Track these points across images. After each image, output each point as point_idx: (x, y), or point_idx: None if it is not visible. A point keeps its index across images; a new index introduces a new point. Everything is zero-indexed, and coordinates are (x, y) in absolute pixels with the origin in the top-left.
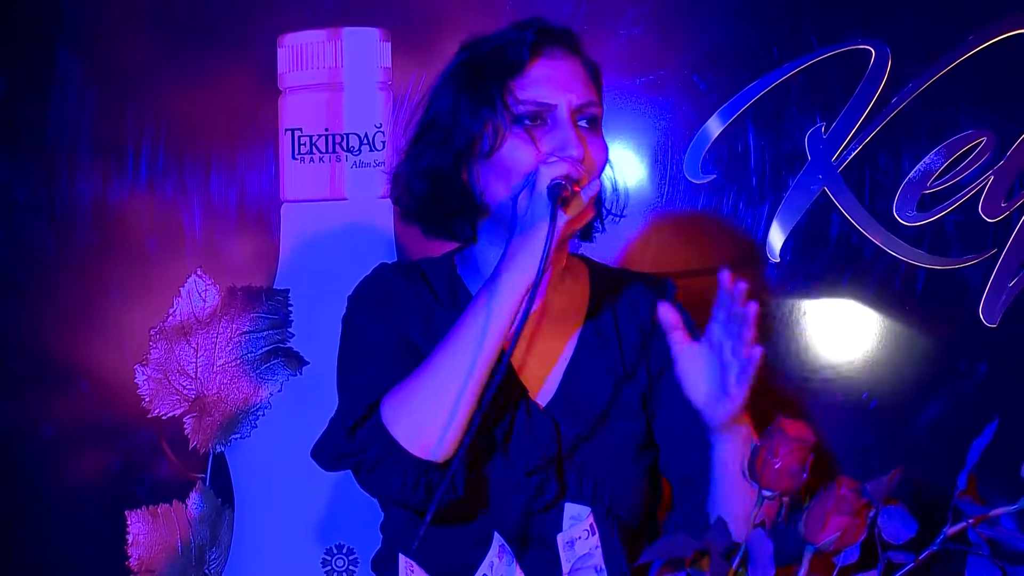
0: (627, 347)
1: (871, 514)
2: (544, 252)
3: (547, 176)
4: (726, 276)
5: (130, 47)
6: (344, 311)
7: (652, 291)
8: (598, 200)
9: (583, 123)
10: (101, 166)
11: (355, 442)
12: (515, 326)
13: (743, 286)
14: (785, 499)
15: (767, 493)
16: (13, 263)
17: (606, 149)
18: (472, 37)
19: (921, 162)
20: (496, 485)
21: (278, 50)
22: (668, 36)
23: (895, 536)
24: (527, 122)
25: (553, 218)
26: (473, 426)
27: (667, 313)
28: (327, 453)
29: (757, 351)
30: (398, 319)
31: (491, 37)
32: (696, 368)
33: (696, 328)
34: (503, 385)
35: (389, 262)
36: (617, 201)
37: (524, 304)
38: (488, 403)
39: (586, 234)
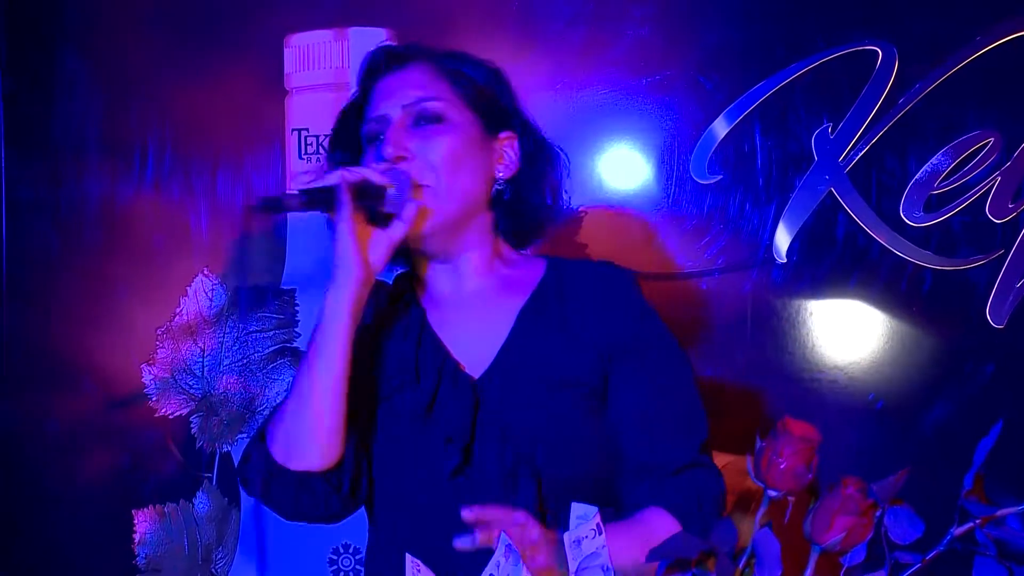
0: (571, 320)
1: (877, 514)
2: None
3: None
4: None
5: (136, 47)
6: None
7: (608, 277)
8: (522, 193)
9: (425, 122)
10: (108, 166)
11: (245, 469)
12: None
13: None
14: (790, 499)
15: (772, 493)
16: (20, 263)
17: (451, 144)
18: None
19: (928, 163)
20: (414, 454)
21: (284, 50)
22: (674, 37)
23: (902, 536)
24: (376, 141)
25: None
26: (344, 432)
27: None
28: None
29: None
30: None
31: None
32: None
33: (657, 317)
34: (432, 357)
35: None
36: (552, 201)
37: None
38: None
39: (523, 234)
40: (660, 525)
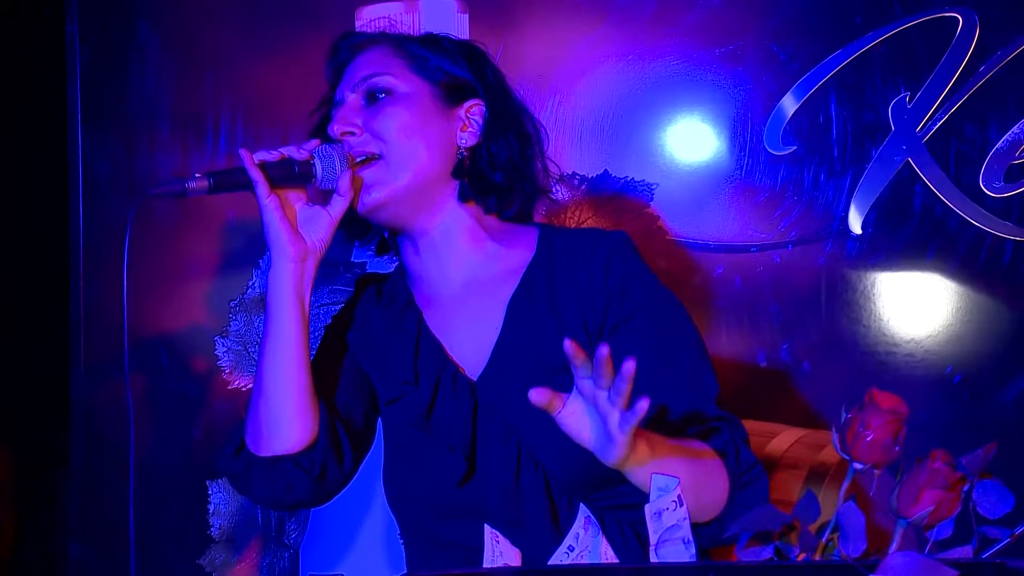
0: (561, 301)
1: (966, 488)
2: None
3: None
4: (568, 346)
5: (209, 21)
6: None
7: (602, 243)
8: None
9: (376, 97)
10: (180, 139)
11: (222, 457)
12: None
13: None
14: (877, 472)
15: (858, 466)
16: (96, 238)
17: (401, 116)
18: None
19: (1009, 132)
20: (420, 458)
21: (356, 22)
22: (747, 5)
23: (991, 511)
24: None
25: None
26: (311, 414)
27: (570, 347)
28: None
29: (642, 403)
30: (339, 327)
31: None
32: (576, 421)
33: (648, 276)
34: (431, 362)
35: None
36: (527, 172)
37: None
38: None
39: (501, 203)
40: (704, 450)
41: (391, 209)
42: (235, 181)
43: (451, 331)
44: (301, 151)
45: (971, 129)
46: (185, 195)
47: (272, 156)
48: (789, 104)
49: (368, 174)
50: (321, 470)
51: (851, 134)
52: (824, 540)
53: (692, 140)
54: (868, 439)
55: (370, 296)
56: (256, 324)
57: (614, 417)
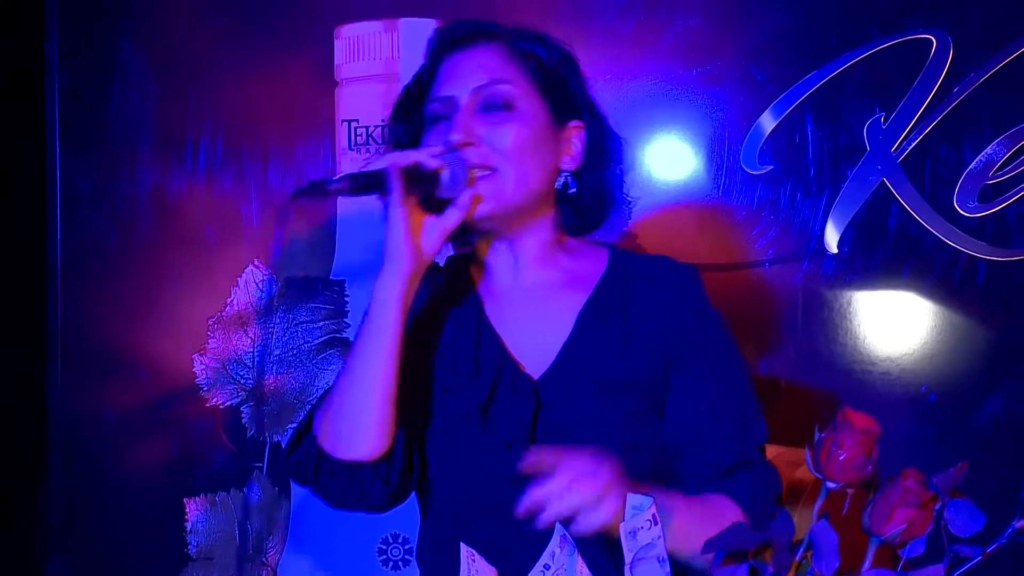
0: (633, 322)
1: (937, 507)
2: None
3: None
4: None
5: (190, 39)
6: None
7: (671, 273)
8: (585, 180)
9: (494, 108)
10: (161, 157)
11: (291, 459)
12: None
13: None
14: (849, 491)
15: (832, 485)
16: (75, 254)
17: (520, 130)
18: None
19: (983, 152)
20: (474, 455)
21: (335, 41)
22: (725, 26)
23: (962, 529)
24: (441, 121)
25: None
26: (392, 422)
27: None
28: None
29: None
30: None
31: None
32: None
33: (717, 315)
34: (490, 354)
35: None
36: (617, 188)
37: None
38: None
39: (586, 220)
40: (726, 507)
41: (493, 221)
42: (374, 183)
43: (513, 326)
44: (432, 159)
45: (945, 150)
46: (328, 195)
47: (405, 159)
48: (766, 124)
49: (480, 185)
50: (397, 477)
51: (827, 154)
52: (798, 558)
53: (669, 159)
54: (841, 458)
55: (425, 284)
56: (234, 341)
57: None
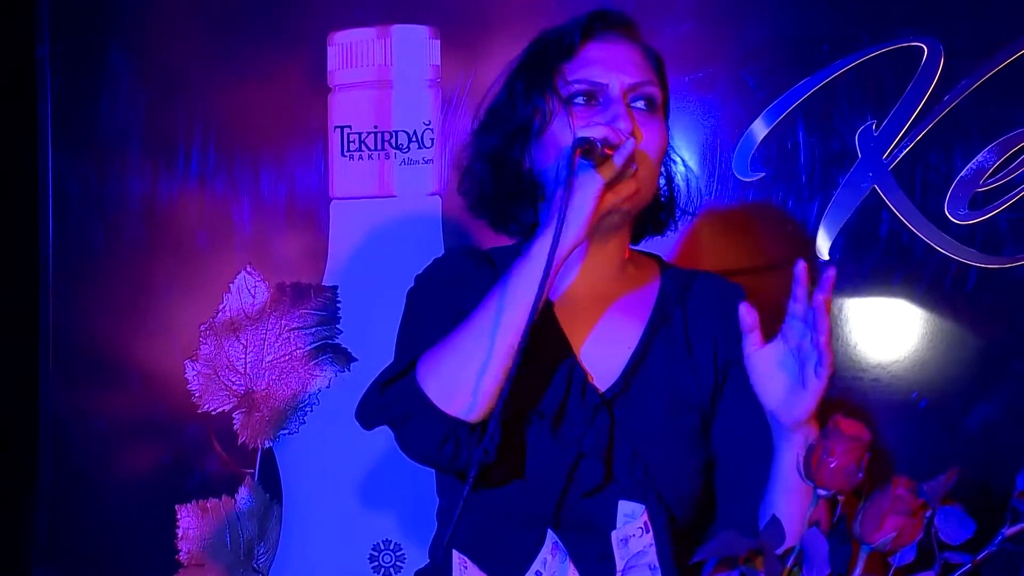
0: (695, 342)
1: (928, 514)
2: (563, 205)
3: (576, 133)
4: (801, 268)
5: (181, 44)
6: (411, 287)
7: (723, 291)
8: (671, 187)
9: (640, 104)
10: (151, 162)
11: (386, 396)
12: (539, 291)
13: (831, 274)
14: (841, 498)
15: (822, 492)
16: (66, 259)
17: (663, 132)
18: (540, 32)
19: (974, 160)
20: (544, 466)
21: (328, 48)
22: (717, 33)
23: (952, 537)
24: (581, 102)
25: (571, 169)
26: (505, 391)
27: (747, 313)
28: (364, 411)
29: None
30: (460, 301)
31: (556, 28)
32: (772, 366)
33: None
34: (559, 367)
35: (460, 248)
36: (690, 196)
37: (551, 269)
38: (525, 371)
39: (657, 227)
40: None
41: (614, 219)
42: (601, 152)
43: (581, 334)
44: (628, 142)
45: (936, 157)
46: (588, 155)
47: (615, 137)
48: (757, 131)
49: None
50: (493, 448)
51: (818, 161)
52: (789, 566)
53: (684, 164)
54: (832, 465)
55: (488, 278)
56: (226, 348)
57: (812, 360)
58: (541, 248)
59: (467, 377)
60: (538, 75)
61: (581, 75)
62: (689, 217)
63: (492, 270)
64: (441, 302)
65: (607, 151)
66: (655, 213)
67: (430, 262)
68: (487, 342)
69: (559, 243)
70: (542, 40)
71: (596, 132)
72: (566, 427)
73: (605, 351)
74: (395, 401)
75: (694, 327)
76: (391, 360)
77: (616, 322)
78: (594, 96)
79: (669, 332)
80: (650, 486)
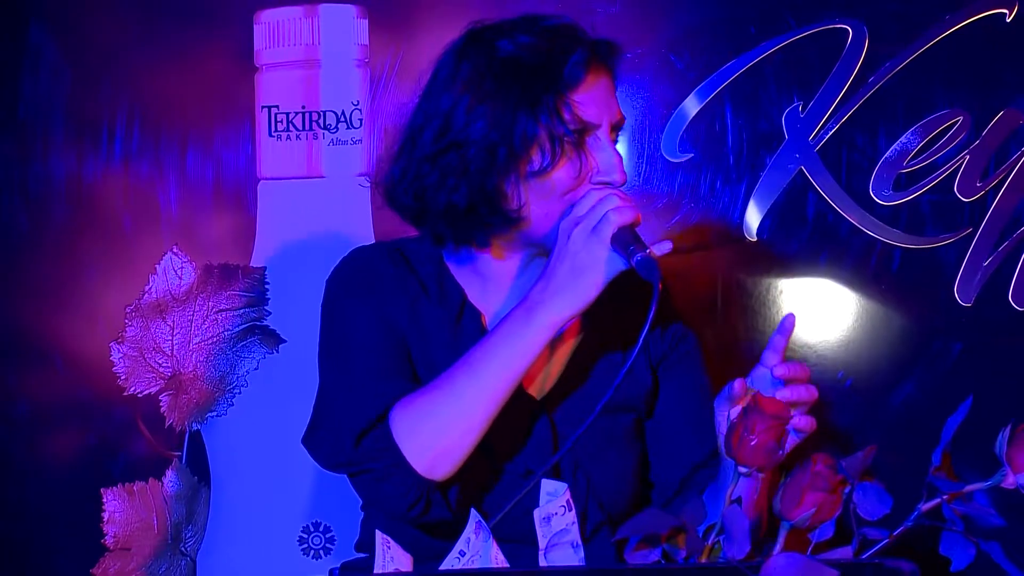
0: (628, 340)
1: (846, 490)
2: (646, 327)
3: (611, 218)
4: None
5: (105, 23)
6: (324, 295)
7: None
8: None
9: (615, 136)
10: (75, 143)
11: (361, 451)
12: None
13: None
14: (761, 476)
15: (743, 470)
16: None
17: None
18: (480, 24)
19: (897, 141)
20: (489, 486)
21: (254, 27)
22: (645, 14)
23: (870, 512)
24: (571, 140)
25: (656, 294)
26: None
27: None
28: (326, 454)
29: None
30: (386, 306)
31: (526, 44)
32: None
33: (680, 317)
34: None
35: (365, 245)
36: None
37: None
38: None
39: None
40: None
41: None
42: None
43: None
44: (665, 243)
45: (861, 138)
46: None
47: (635, 212)
48: (686, 112)
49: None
50: (456, 502)
51: (746, 142)
52: (710, 543)
53: None
54: (752, 443)
55: (413, 288)
56: (152, 329)
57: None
58: (546, 318)
59: (449, 444)
60: (532, 107)
61: (576, 113)
62: None
63: (411, 272)
64: (365, 311)
65: (652, 255)
66: None
67: (338, 263)
68: (475, 408)
69: (564, 306)
70: (519, 62)
71: (627, 216)
72: (509, 444)
73: (539, 359)
74: (372, 459)
75: (626, 325)
76: (319, 349)
77: None
78: (583, 136)
79: (602, 334)
80: (593, 491)
